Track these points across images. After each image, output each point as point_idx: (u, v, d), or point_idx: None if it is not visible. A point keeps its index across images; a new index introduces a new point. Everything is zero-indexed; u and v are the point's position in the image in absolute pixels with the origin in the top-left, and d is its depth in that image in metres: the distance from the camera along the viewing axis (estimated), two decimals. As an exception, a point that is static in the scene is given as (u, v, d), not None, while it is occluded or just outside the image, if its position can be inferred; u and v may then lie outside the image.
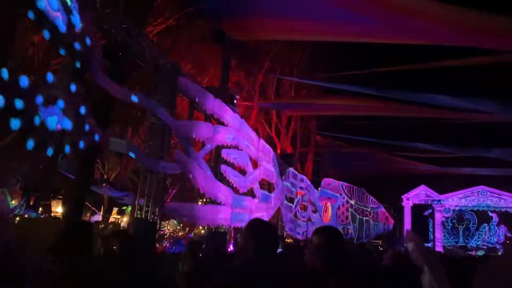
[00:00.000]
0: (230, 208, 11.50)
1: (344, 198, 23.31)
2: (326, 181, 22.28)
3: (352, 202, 24.34)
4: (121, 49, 8.61)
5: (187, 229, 20.33)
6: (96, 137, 6.40)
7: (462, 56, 13.94)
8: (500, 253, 20.31)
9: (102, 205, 19.10)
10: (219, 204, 11.06)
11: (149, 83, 10.70)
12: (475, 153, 21.10)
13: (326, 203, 21.92)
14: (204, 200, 12.94)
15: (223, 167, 11.59)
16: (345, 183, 23.70)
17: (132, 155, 8.51)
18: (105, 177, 18.86)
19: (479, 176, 25.21)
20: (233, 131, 11.98)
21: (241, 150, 12.48)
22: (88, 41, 6.02)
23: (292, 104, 21.05)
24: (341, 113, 20.61)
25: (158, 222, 10.28)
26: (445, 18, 10.55)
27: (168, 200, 15.59)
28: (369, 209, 26.37)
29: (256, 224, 2.32)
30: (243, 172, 12.55)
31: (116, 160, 18.17)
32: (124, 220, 19.78)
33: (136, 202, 10.31)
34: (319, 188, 21.56)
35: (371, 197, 26.93)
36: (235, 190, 11.95)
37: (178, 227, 21.38)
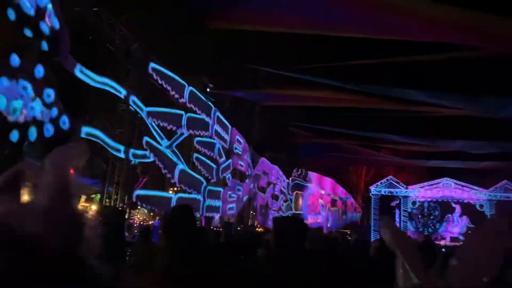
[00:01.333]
0: (202, 198, 11.48)
1: (314, 188, 23.63)
2: (297, 171, 22.51)
3: (322, 192, 24.72)
4: (92, 33, 8.37)
5: (157, 218, 20.15)
6: (65, 123, 6.23)
7: (432, 51, 14.27)
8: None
9: (70, 193, 18.64)
10: (190, 193, 11.01)
11: (120, 68, 10.46)
12: (440, 144, 21.77)
13: (297, 193, 22.17)
14: (175, 189, 12.85)
15: (195, 156, 11.53)
16: (316, 174, 24.01)
17: (101, 142, 8.34)
18: (73, 164, 18.38)
19: (444, 168, 26.05)
20: (205, 120, 11.91)
21: (214, 139, 12.44)
22: (55, 23, 5.81)
23: (265, 94, 21.05)
24: (315, 105, 20.80)
25: (128, 210, 10.16)
26: (419, 14, 10.75)
27: (138, 188, 15.38)
28: (338, 199, 26.86)
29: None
30: (215, 161, 12.52)
31: (85, 146, 17.73)
32: (93, 208, 19.42)
33: (105, 190, 10.14)
34: (291, 178, 21.77)
35: (341, 188, 27.42)
36: (207, 179, 11.91)
37: (149, 216, 21.15)
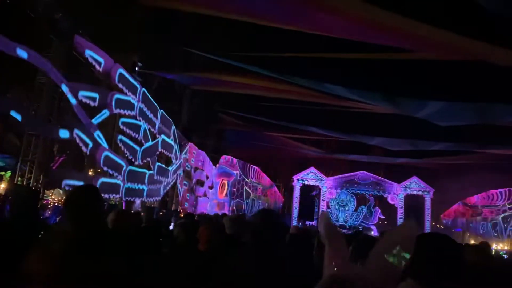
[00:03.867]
0: (124, 180, 11.10)
1: (240, 175, 23.92)
2: (224, 158, 22.60)
3: (247, 180, 25.09)
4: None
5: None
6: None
7: (360, 50, 14.96)
8: (373, 232, 22.69)
9: (-25, 169, 17.11)
10: (112, 175, 10.60)
11: (41, 38, 9.68)
12: (359, 139, 23.04)
13: (222, 179, 22.28)
14: (95, 170, 12.31)
15: (119, 137, 11.09)
16: (242, 161, 24.29)
17: (15, 115, 7.72)
18: (-20, 137, 16.86)
19: (362, 162, 27.69)
20: (132, 100, 11.48)
21: (140, 120, 12.04)
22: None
23: (197, 78, 20.74)
24: (245, 92, 20.90)
25: (42, 190, 9.58)
26: (348, 13, 11.20)
27: (54, 167, 14.51)
28: (262, 187, 27.45)
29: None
30: (140, 143, 12.14)
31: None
32: (1, 187, 18.00)
33: (18, 168, 9.47)
34: (217, 165, 21.81)
35: (265, 176, 28.03)
36: (130, 162, 11.53)
37: (64, 197, 20.06)
